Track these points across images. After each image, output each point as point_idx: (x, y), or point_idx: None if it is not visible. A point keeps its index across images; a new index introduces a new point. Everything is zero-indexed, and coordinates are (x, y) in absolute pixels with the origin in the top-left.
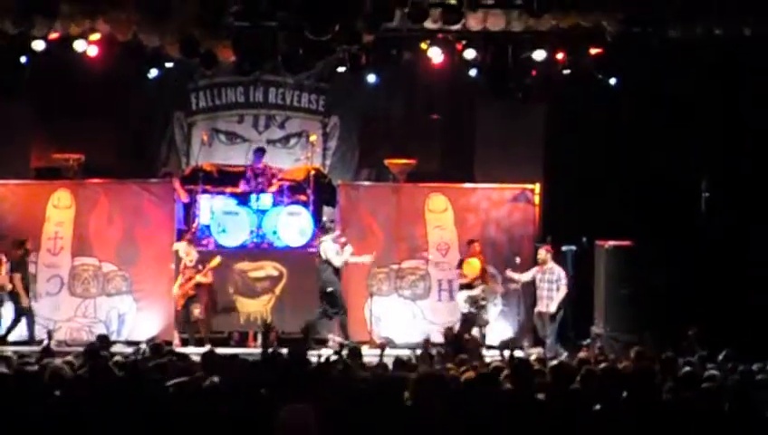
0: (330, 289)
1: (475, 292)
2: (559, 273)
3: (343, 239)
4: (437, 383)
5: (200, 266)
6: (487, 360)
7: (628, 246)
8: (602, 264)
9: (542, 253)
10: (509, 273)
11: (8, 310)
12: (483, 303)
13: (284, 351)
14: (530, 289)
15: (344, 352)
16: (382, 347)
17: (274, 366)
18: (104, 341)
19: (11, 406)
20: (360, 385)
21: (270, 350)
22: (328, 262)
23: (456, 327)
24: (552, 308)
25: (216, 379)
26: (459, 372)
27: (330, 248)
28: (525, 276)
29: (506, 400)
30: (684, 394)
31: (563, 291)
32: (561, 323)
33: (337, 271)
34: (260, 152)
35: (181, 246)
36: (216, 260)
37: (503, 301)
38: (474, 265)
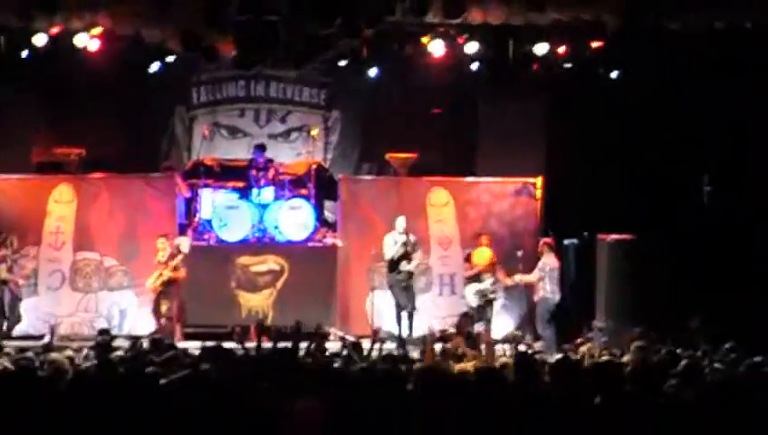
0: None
1: (484, 285)
2: (546, 263)
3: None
4: (440, 376)
5: (170, 263)
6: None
7: (630, 240)
8: (604, 257)
9: (540, 244)
10: (518, 278)
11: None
12: (492, 296)
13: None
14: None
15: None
16: (381, 341)
17: (269, 362)
18: (106, 335)
19: (13, 402)
20: (362, 379)
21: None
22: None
23: (456, 321)
24: (535, 297)
25: (218, 372)
26: (463, 365)
27: (385, 241)
28: (533, 276)
29: (509, 393)
30: (686, 388)
31: (548, 281)
32: (554, 313)
33: (391, 266)
34: (260, 148)
35: (183, 241)
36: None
37: (505, 295)
38: (485, 255)
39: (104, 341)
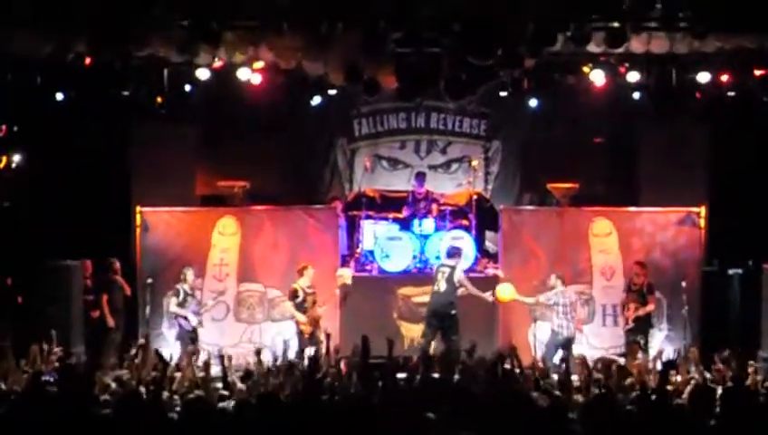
0: None
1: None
2: (558, 295)
3: None
4: (606, 408)
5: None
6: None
7: None
8: None
9: (553, 278)
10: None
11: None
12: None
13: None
14: (697, 314)
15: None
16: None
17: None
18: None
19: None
20: (532, 411)
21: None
22: None
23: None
24: (566, 332)
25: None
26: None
27: None
28: (530, 300)
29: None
30: None
31: (556, 313)
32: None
33: None
34: (422, 177)
35: (345, 272)
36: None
37: (668, 325)
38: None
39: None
